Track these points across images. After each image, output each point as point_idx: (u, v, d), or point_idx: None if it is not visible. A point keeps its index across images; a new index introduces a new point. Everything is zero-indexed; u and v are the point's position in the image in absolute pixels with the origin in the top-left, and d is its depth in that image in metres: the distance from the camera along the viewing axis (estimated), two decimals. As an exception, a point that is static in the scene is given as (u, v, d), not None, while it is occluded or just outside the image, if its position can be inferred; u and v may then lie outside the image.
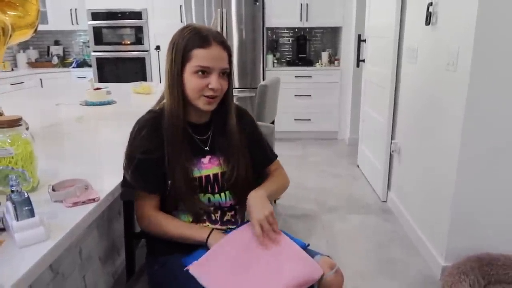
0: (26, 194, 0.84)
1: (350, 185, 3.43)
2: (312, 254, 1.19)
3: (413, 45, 2.53)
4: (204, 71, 1.15)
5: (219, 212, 1.26)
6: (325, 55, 4.87)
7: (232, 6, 4.45)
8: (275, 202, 2.90)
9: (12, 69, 5.05)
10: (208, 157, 1.25)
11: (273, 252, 1.14)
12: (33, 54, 5.48)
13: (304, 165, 3.98)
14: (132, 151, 1.18)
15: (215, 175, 1.25)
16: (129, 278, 1.79)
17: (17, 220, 0.80)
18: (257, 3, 4.44)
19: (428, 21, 2.24)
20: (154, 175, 1.18)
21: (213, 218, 1.26)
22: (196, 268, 1.10)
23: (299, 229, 2.64)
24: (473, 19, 1.78)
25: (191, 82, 1.16)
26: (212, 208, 1.26)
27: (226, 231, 1.24)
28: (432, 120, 2.23)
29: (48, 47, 5.55)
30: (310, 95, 4.76)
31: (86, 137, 1.80)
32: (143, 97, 2.76)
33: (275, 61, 4.94)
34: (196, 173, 1.22)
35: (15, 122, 1.02)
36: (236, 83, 4.61)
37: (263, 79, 4.60)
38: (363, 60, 3.63)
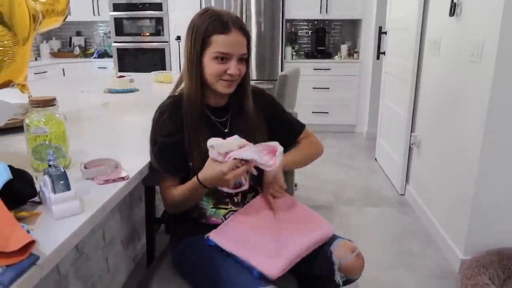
0: (62, 168, 0.88)
1: (368, 178, 3.43)
2: (333, 237, 1.21)
3: (436, 36, 2.50)
4: (224, 57, 1.17)
5: (239, 194, 1.29)
6: (344, 48, 4.84)
7: (252, -2, 4.44)
8: (295, 186, 2.91)
9: (36, 59, 5.17)
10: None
11: (286, 216, 1.25)
12: (55, 44, 5.60)
13: (321, 157, 3.95)
14: (155, 135, 1.22)
15: None
16: (149, 262, 1.84)
17: (54, 193, 0.84)
18: (277, -5, 4.42)
19: (452, 12, 2.21)
20: (176, 158, 1.21)
21: (235, 200, 1.28)
22: (216, 235, 1.17)
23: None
24: (499, 9, 1.75)
25: (210, 67, 1.17)
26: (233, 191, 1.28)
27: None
28: (454, 112, 2.21)
29: (70, 38, 5.65)
30: (328, 88, 4.74)
31: (112, 121, 1.85)
32: (165, 85, 2.80)
33: (294, 53, 4.94)
34: None
35: (49, 102, 1.06)
36: (254, 75, 4.62)
37: (282, 71, 4.60)
38: (384, 53, 3.60)
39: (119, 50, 5.03)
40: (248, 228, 1.18)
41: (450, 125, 2.27)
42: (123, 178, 1.05)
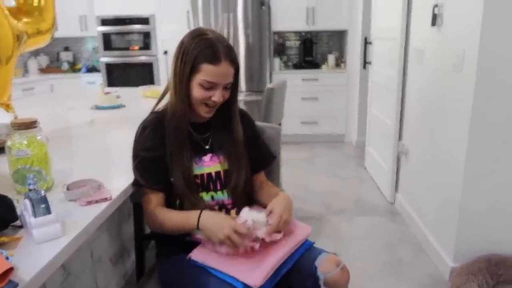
0: (43, 192, 0.87)
1: (358, 187, 3.44)
2: (317, 252, 1.21)
3: (419, 46, 2.54)
4: (210, 86, 1.18)
5: (223, 210, 1.29)
6: (331, 58, 4.89)
7: (239, 11, 4.49)
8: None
9: (24, 75, 5.14)
10: (209, 155, 1.29)
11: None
12: (43, 60, 5.58)
13: (311, 168, 4.00)
14: (137, 149, 1.24)
15: (217, 173, 1.28)
16: (139, 279, 1.82)
17: (35, 217, 0.84)
18: (264, 7, 4.47)
19: (433, 22, 2.26)
20: (157, 171, 1.22)
21: None
22: (197, 254, 1.17)
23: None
24: (478, 20, 1.79)
25: (196, 91, 1.19)
26: (216, 207, 1.29)
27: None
28: (439, 121, 2.24)
29: (58, 53, 5.64)
30: (317, 98, 4.77)
31: (97, 139, 1.84)
32: (152, 100, 2.79)
33: (282, 64, 4.98)
34: (198, 171, 1.25)
35: (31, 124, 1.06)
36: (243, 87, 4.64)
37: (270, 83, 4.63)
38: (370, 62, 3.65)
39: (107, 65, 5.03)
40: (225, 248, 1.17)
41: (435, 133, 2.30)
42: (106, 199, 1.04)
